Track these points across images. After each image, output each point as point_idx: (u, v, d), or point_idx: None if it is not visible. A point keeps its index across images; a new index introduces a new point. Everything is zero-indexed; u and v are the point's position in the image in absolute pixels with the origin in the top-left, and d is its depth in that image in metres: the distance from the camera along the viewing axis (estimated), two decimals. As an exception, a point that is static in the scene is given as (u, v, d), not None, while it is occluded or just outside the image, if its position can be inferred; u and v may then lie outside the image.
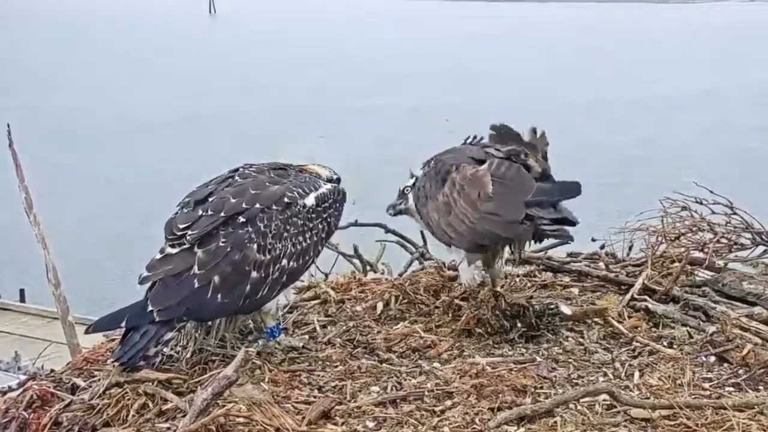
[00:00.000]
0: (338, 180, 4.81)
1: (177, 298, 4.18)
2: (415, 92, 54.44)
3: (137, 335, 4.16)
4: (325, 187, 4.64)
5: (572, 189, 4.68)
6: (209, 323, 4.45)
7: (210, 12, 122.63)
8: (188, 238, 4.27)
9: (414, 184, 5.11)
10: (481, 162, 4.76)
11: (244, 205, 4.36)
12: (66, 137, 44.39)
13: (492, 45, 78.74)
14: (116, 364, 4.14)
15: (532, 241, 4.86)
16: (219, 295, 4.23)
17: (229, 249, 4.26)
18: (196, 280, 4.21)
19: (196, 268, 4.22)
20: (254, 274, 4.31)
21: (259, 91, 56.18)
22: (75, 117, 48.95)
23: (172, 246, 4.31)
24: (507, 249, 4.89)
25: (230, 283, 4.25)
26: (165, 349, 4.28)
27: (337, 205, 4.68)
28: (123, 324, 4.21)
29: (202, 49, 76.69)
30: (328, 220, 4.60)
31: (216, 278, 4.22)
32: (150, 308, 4.17)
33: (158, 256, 4.32)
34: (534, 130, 4.84)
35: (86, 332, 4.49)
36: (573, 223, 4.62)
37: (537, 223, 4.55)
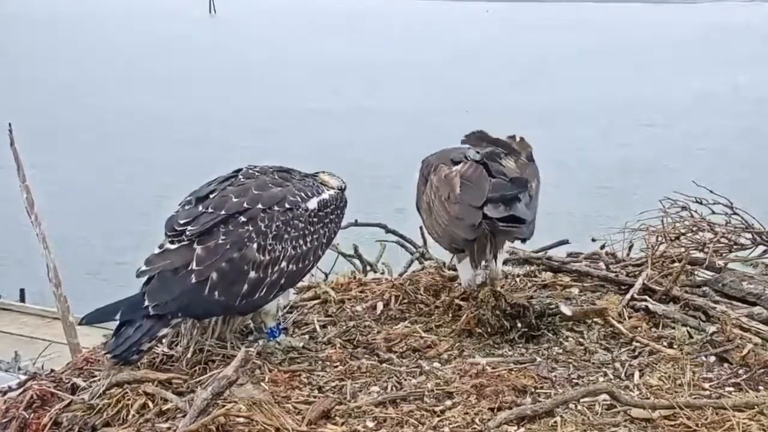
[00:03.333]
0: (344, 188, 4.80)
1: (173, 294, 4.17)
2: (418, 93, 54.44)
3: (131, 329, 4.13)
4: (328, 193, 4.64)
5: (521, 184, 4.70)
6: (206, 323, 4.45)
7: (210, 12, 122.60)
8: (187, 233, 4.27)
9: None
10: (458, 164, 4.83)
11: (245, 205, 4.36)
12: (65, 136, 44.40)
13: (490, 45, 78.68)
14: (109, 356, 4.13)
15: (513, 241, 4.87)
16: (216, 293, 4.22)
17: (228, 247, 4.25)
18: (193, 276, 4.20)
19: (194, 264, 4.22)
20: (252, 274, 4.30)
21: (259, 91, 56.17)
22: (74, 116, 48.95)
23: (171, 242, 4.31)
24: (487, 251, 4.80)
25: (228, 281, 4.24)
26: (159, 345, 4.27)
27: (339, 211, 4.68)
28: (117, 317, 4.19)
29: (202, 49, 76.65)
30: (329, 225, 4.60)
31: (213, 275, 4.22)
32: (146, 302, 4.16)
33: (157, 251, 4.33)
34: (512, 137, 4.91)
35: (79, 324, 4.47)
36: (522, 221, 4.59)
37: (493, 224, 4.53)
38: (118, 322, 4.22)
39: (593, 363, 4.41)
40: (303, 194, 4.52)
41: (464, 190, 4.65)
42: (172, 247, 4.28)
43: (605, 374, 4.30)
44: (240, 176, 4.55)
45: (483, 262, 4.85)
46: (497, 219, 4.51)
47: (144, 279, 4.28)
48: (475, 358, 4.41)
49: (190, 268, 4.21)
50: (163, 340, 4.37)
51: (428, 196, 4.85)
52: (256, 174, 4.56)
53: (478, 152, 4.86)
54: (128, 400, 4.00)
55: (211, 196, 4.42)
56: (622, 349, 4.53)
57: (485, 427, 3.74)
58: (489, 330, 4.65)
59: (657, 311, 4.85)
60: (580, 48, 75.08)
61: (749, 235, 5.80)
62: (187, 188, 4.63)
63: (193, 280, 4.20)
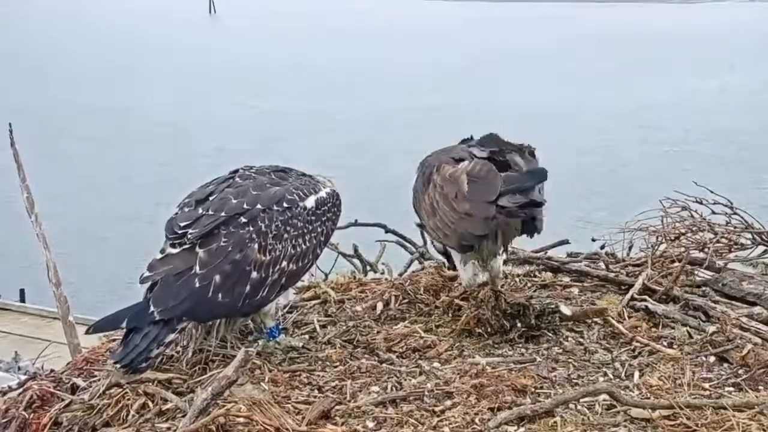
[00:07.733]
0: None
1: (178, 298, 4.17)
2: (417, 94, 54.43)
3: (138, 337, 4.13)
4: (324, 191, 4.65)
5: (539, 174, 4.66)
6: (209, 324, 4.45)
7: (210, 12, 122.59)
8: (189, 236, 4.27)
9: None
10: (462, 161, 4.77)
11: (245, 206, 4.37)
12: (65, 136, 44.40)
13: (489, 45, 78.72)
14: (118, 366, 4.12)
15: (522, 234, 4.80)
16: (219, 295, 4.23)
17: (230, 249, 4.26)
18: (196, 280, 4.21)
19: (197, 267, 4.22)
20: (254, 274, 4.31)
21: (259, 91, 56.18)
22: (74, 116, 48.95)
23: (173, 246, 4.31)
24: (497, 245, 4.79)
25: (231, 283, 4.25)
26: (167, 351, 4.28)
27: (336, 209, 4.69)
28: (123, 325, 4.19)
29: (202, 49, 76.65)
30: (327, 223, 4.61)
31: (217, 278, 4.23)
32: (151, 308, 4.16)
33: (159, 256, 4.33)
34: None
35: (86, 333, 4.48)
36: (540, 204, 4.58)
37: (510, 213, 4.50)
38: (124, 330, 4.21)
39: (593, 363, 4.41)
40: (300, 193, 4.53)
41: (473, 187, 4.58)
42: (174, 251, 4.29)
43: (605, 374, 4.30)
44: (237, 177, 4.56)
45: (486, 260, 4.85)
46: (516, 206, 4.47)
47: (147, 285, 4.27)
48: (475, 358, 4.41)
49: (193, 271, 4.22)
50: (170, 345, 4.35)
51: (431, 197, 4.77)
52: (253, 174, 4.57)
53: (483, 149, 4.81)
54: (128, 400, 4.00)
55: (210, 198, 4.43)
56: (622, 349, 4.53)
57: (485, 427, 3.74)
58: (489, 330, 4.65)
59: (657, 311, 4.85)
60: (579, 48, 75.08)
61: (749, 235, 5.80)
62: (187, 188, 4.64)
63: (197, 284, 4.20)
